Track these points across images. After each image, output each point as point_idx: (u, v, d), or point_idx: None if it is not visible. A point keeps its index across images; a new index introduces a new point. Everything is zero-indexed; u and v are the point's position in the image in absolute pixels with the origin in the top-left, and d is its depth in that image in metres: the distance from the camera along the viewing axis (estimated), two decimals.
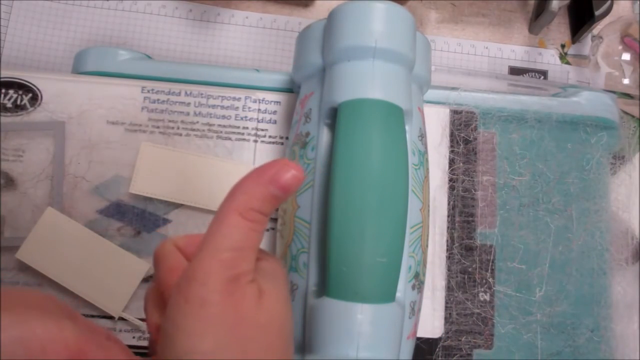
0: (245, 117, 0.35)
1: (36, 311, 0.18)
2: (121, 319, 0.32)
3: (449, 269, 0.34)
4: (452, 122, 0.36)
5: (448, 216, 0.34)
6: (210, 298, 0.19)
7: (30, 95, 0.34)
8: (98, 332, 0.20)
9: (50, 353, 0.18)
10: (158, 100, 0.34)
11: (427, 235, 0.31)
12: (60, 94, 0.34)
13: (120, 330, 0.32)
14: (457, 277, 0.34)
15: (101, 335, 0.20)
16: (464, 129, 0.35)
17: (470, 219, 0.34)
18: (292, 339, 0.22)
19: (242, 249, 0.20)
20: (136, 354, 0.21)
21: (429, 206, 0.31)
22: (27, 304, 0.18)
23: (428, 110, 0.35)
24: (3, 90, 0.34)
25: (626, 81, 0.44)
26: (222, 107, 0.35)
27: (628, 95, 0.42)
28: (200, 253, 0.20)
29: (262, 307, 0.20)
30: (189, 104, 0.35)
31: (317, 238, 0.27)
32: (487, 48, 0.48)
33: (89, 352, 0.19)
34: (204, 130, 0.34)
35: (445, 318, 0.33)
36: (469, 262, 0.34)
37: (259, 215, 0.21)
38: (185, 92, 0.35)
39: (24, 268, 0.32)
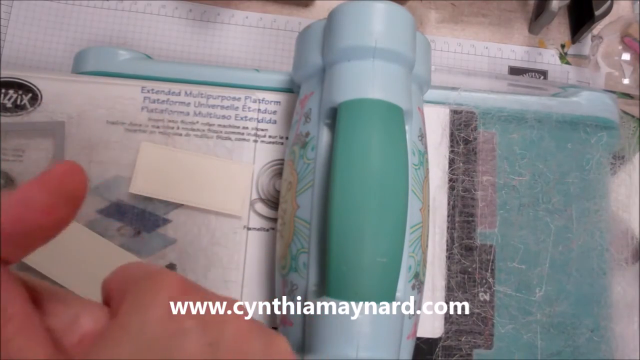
0: (245, 117, 0.35)
1: None
2: None
3: (449, 269, 0.34)
4: (452, 122, 0.36)
5: (448, 216, 0.34)
6: None
7: (30, 95, 0.34)
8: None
9: None
10: (158, 100, 0.34)
11: (427, 235, 0.31)
12: (60, 94, 0.34)
13: None
14: (457, 277, 0.34)
15: None
16: (464, 129, 0.35)
17: (470, 219, 0.34)
18: None
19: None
20: None
21: (429, 206, 0.31)
22: None
23: (428, 110, 0.35)
24: (3, 90, 0.34)
25: (626, 81, 0.44)
26: (222, 107, 0.35)
27: (628, 95, 0.42)
28: None
29: None
30: (189, 104, 0.35)
31: (317, 238, 0.27)
32: (487, 48, 0.48)
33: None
34: (204, 130, 0.34)
35: (445, 318, 0.33)
36: (469, 262, 0.34)
37: None
38: (185, 92, 0.35)
39: (25, 268, 0.32)
